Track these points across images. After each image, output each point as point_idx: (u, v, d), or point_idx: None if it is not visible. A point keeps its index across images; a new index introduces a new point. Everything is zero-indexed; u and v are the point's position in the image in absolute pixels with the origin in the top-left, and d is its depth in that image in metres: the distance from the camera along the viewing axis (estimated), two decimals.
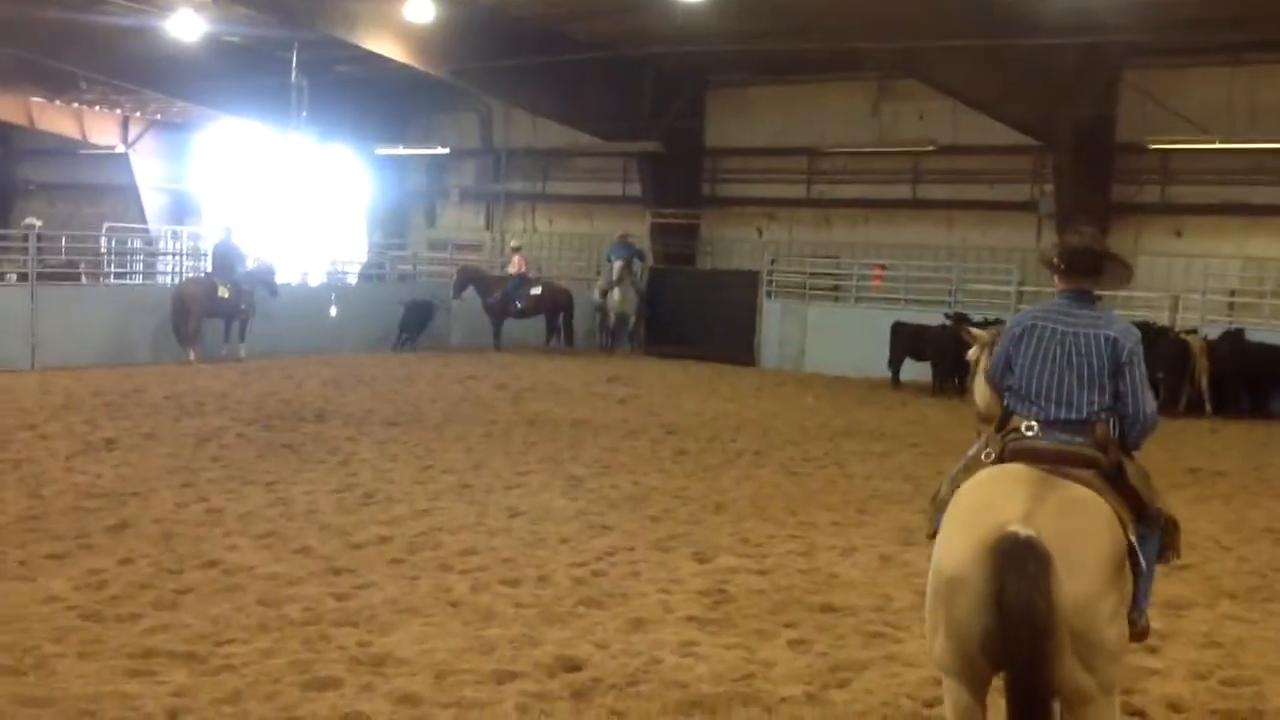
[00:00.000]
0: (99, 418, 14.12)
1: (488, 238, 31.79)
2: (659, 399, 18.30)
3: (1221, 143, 21.28)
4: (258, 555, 8.47)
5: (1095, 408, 4.93)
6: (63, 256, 24.27)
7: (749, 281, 24.85)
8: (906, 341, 20.69)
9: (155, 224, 35.98)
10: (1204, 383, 18.46)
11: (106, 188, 37.77)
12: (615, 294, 25.58)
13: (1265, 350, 18.60)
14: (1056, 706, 4.54)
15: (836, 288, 25.12)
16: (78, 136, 36.56)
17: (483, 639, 6.84)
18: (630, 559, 8.78)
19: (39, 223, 23.18)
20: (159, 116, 36.21)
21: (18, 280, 20.34)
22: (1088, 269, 5.07)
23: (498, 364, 21.95)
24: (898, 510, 10.72)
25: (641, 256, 26.62)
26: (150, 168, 37.18)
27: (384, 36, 23.95)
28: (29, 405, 14.92)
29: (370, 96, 30.69)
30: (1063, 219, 20.97)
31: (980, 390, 5.58)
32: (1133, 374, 4.94)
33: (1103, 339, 4.93)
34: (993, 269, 23.45)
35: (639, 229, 27.91)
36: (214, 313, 20.63)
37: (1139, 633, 4.98)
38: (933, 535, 4.91)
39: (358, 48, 24.51)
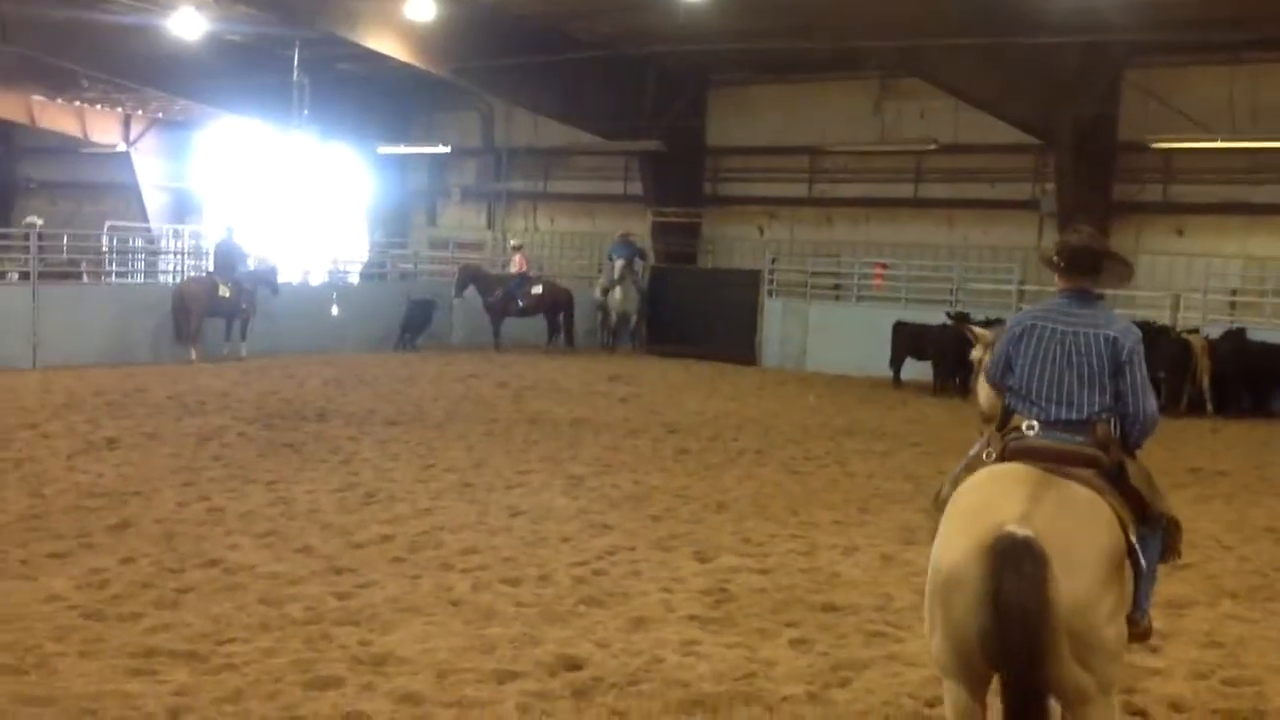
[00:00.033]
0: (100, 417, 14.12)
1: (489, 236, 31.77)
2: (660, 398, 18.30)
3: (1223, 141, 21.27)
4: (259, 554, 8.48)
5: (1096, 407, 4.93)
6: (64, 255, 24.31)
7: (750, 280, 24.85)
8: (908, 340, 20.69)
9: (157, 223, 35.99)
10: (1205, 382, 18.45)
11: (108, 186, 37.78)
12: (617, 293, 25.58)
13: (1267, 350, 18.59)
14: (1056, 707, 4.55)
15: (838, 287, 25.13)
16: (79, 135, 36.56)
17: (484, 638, 6.85)
18: (631, 558, 8.78)
19: (40, 221, 23.23)
20: (160, 115, 36.21)
21: (19, 279, 20.37)
22: (1087, 268, 5.07)
23: (499, 363, 21.95)
24: (899, 509, 10.72)
25: (643, 255, 26.62)
26: (151, 166, 37.18)
27: (385, 35, 23.96)
28: (30, 404, 14.92)
29: (372, 95, 30.71)
30: (1064, 218, 20.96)
31: (983, 390, 5.58)
32: (1133, 373, 4.94)
33: (1103, 338, 4.93)
34: (994, 268, 23.44)
35: (640, 228, 27.91)
36: (215, 312, 20.63)
37: (1141, 633, 4.98)
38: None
39: (359, 46, 24.51)
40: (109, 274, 26.35)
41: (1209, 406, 18.34)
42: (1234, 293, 21.62)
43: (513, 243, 26.47)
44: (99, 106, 35.34)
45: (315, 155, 31.62)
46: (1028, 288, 21.62)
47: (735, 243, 28.10)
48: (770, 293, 24.45)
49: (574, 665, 6.48)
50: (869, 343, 21.61)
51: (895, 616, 7.52)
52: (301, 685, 6.02)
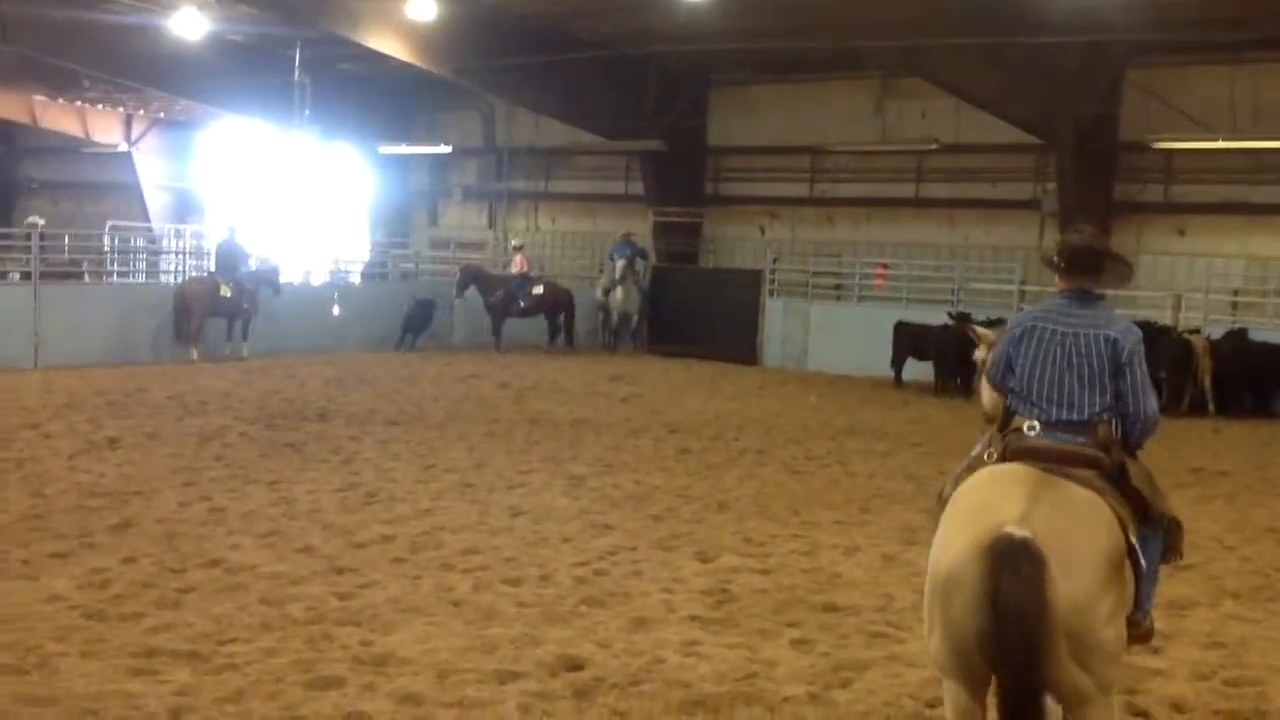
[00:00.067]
0: (102, 417, 14.13)
1: (490, 236, 31.77)
2: (661, 398, 18.30)
3: (1225, 141, 21.26)
4: (260, 554, 8.48)
5: (1097, 408, 4.92)
6: (65, 255, 24.26)
7: (752, 280, 24.85)
8: (909, 340, 20.68)
9: (158, 222, 36.00)
10: (1207, 382, 18.44)
11: (109, 186, 37.79)
12: (618, 293, 25.57)
13: (1268, 350, 18.58)
14: (1056, 707, 4.54)
15: (839, 286, 25.12)
16: (80, 135, 36.57)
17: (485, 638, 6.85)
18: (632, 558, 8.78)
19: (42, 221, 23.18)
20: (162, 115, 36.23)
21: (21, 279, 20.34)
22: (1088, 268, 5.07)
23: (500, 363, 21.94)
24: (900, 509, 10.72)
25: (644, 255, 26.61)
26: (153, 166, 37.19)
27: (386, 35, 23.97)
28: (32, 404, 14.93)
29: (373, 95, 30.71)
30: (1065, 218, 20.95)
31: (986, 390, 5.58)
32: (1133, 374, 4.93)
33: (1103, 339, 4.93)
34: (995, 268, 23.44)
35: (641, 228, 27.91)
36: (217, 312, 20.63)
37: (1143, 634, 4.97)
38: None
39: (360, 46, 24.52)
40: (110, 274, 26.35)
41: (1211, 407, 18.33)
42: (1236, 293, 21.61)
43: (514, 243, 26.46)
44: (100, 106, 35.35)
45: (316, 155, 31.63)
46: (1029, 288, 21.61)
47: (736, 242, 28.10)
48: (771, 292, 24.44)
49: (575, 665, 6.48)
50: (870, 343, 21.60)
51: (897, 617, 7.52)
52: (303, 685, 6.02)
